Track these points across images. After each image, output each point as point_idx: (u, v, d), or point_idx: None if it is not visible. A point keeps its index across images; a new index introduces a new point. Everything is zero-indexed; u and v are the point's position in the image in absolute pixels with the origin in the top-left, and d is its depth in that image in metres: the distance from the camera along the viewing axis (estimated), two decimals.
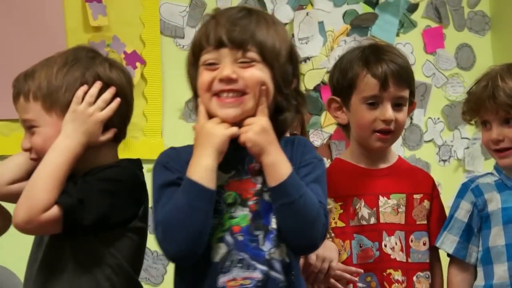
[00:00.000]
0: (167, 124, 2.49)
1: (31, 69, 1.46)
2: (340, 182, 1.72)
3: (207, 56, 1.33)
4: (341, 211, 1.70)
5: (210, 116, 1.34)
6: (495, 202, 1.71)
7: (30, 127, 1.43)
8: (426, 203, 1.75)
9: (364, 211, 1.70)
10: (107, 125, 1.43)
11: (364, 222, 1.70)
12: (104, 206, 1.36)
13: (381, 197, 1.72)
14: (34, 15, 2.33)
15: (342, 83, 1.72)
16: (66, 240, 1.38)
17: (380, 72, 1.66)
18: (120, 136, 1.48)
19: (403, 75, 1.68)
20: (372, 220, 1.70)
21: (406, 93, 1.70)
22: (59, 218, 1.33)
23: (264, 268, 1.31)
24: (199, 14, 2.58)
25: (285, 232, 1.31)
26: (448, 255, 1.76)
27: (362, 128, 1.70)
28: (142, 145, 2.39)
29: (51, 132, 1.41)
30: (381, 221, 1.70)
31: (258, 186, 1.34)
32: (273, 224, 1.33)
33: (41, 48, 2.29)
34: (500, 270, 1.68)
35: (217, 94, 1.32)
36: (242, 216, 1.33)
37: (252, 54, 1.31)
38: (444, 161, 2.88)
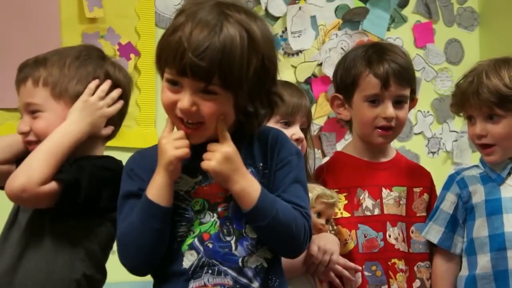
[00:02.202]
0: (160, 115, 2.50)
1: (42, 56, 1.50)
2: (344, 174, 1.77)
3: (169, 76, 1.28)
4: (346, 201, 1.75)
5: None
6: (479, 194, 1.74)
7: (33, 111, 1.47)
8: (425, 196, 1.81)
9: (368, 202, 1.74)
10: (107, 122, 1.50)
11: (368, 213, 1.74)
12: (96, 190, 1.40)
13: (383, 189, 1.76)
14: (29, 5, 2.33)
15: (345, 80, 1.76)
16: (46, 219, 1.42)
17: (382, 72, 1.70)
18: (113, 134, 1.55)
19: (404, 74, 1.73)
20: (376, 211, 1.74)
21: (406, 92, 1.75)
22: (54, 193, 1.37)
23: (234, 274, 1.30)
24: None
25: (268, 244, 1.32)
26: (433, 245, 1.78)
27: (364, 125, 1.74)
28: (135, 134, 2.42)
29: (55, 119, 1.46)
30: (385, 212, 1.75)
31: (228, 192, 1.31)
32: (248, 230, 1.32)
33: (35, 38, 2.31)
34: (483, 261, 1.70)
35: (180, 118, 1.29)
36: (210, 223, 1.32)
37: (214, 88, 1.25)
38: (433, 153, 2.90)
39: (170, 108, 1.30)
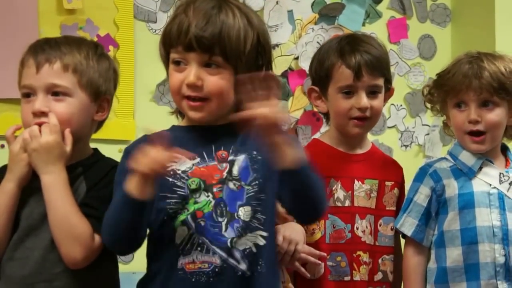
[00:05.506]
0: (139, 106, 2.53)
1: (60, 40, 1.50)
2: (318, 163, 1.72)
3: (175, 55, 1.38)
4: None
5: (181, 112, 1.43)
6: (452, 188, 1.74)
7: (58, 94, 1.45)
8: (396, 191, 1.81)
9: (340, 193, 1.75)
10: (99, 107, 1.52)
11: (339, 204, 1.75)
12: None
13: (356, 181, 1.77)
14: None
15: (319, 73, 1.77)
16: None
17: (354, 63, 1.70)
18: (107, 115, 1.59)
19: (376, 65, 1.72)
20: (347, 203, 1.75)
21: (380, 82, 1.75)
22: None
23: (223, 254, 1.35)
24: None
25: (299, 202, 1.38)
26: (403, 237, 1.79)
27: (339, 116, 1.75)
28: (114, 126, 2.42)
29: (79, 108, 1.46)
30: (355, 204, 1.75)
31: (224, 174, 1.37)
32: (240, 213, 1.37)
33: (13, 29, 2.30)
34: (454, 254, 1.71)
35: (186, 97, 1.38)
36: (204, 201, 1.36)
37: (218, 59, 1.35)
38: (406, 146, 2.94)
39: (178, 88, 1.37)
